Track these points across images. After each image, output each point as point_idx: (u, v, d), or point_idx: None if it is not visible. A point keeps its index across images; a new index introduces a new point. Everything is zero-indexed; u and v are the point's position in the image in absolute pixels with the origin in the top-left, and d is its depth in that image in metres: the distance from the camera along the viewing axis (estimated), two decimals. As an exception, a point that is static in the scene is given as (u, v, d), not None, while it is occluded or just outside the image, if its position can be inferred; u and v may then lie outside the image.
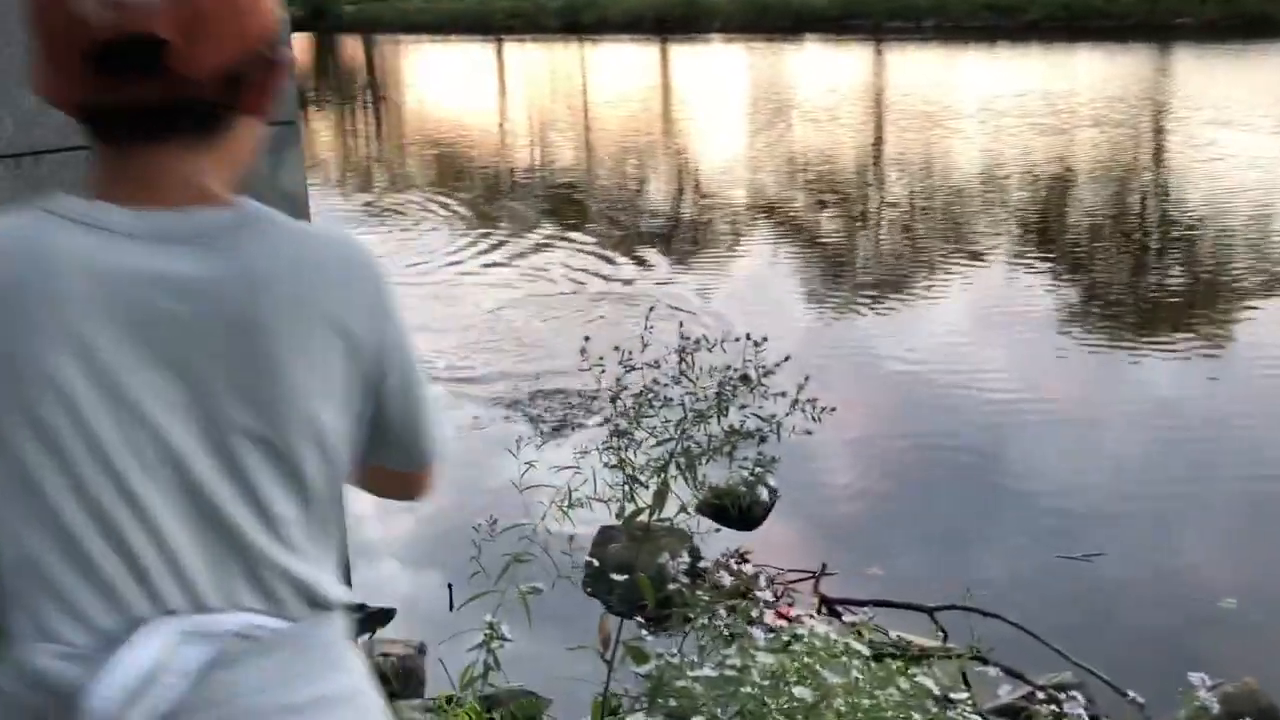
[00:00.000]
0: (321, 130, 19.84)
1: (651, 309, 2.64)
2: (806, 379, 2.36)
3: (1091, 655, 3.64)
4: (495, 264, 9.43)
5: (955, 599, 3.99)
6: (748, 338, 2.37)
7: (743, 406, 2.33)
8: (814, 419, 2.31)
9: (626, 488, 2.35)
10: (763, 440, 2.33)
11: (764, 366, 2.34)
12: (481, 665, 2.52)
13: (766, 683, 2.05)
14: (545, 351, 6.87)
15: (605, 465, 2.37)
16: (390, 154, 17.49)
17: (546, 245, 9.98)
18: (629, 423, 2.34)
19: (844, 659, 2.17)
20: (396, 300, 1.19)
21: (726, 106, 19.42)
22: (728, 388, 2.32)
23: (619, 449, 2.35)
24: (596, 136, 17.72)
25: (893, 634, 3.87)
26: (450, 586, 4.12)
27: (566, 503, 2.66)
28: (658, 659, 2.32)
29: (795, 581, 4.31)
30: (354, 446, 1.17)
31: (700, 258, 9.72)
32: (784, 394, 2.36)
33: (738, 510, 4.24)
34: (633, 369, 2.44)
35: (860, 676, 2.09)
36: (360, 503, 4.73)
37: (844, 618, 4.10)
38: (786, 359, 2.40)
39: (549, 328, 7.47)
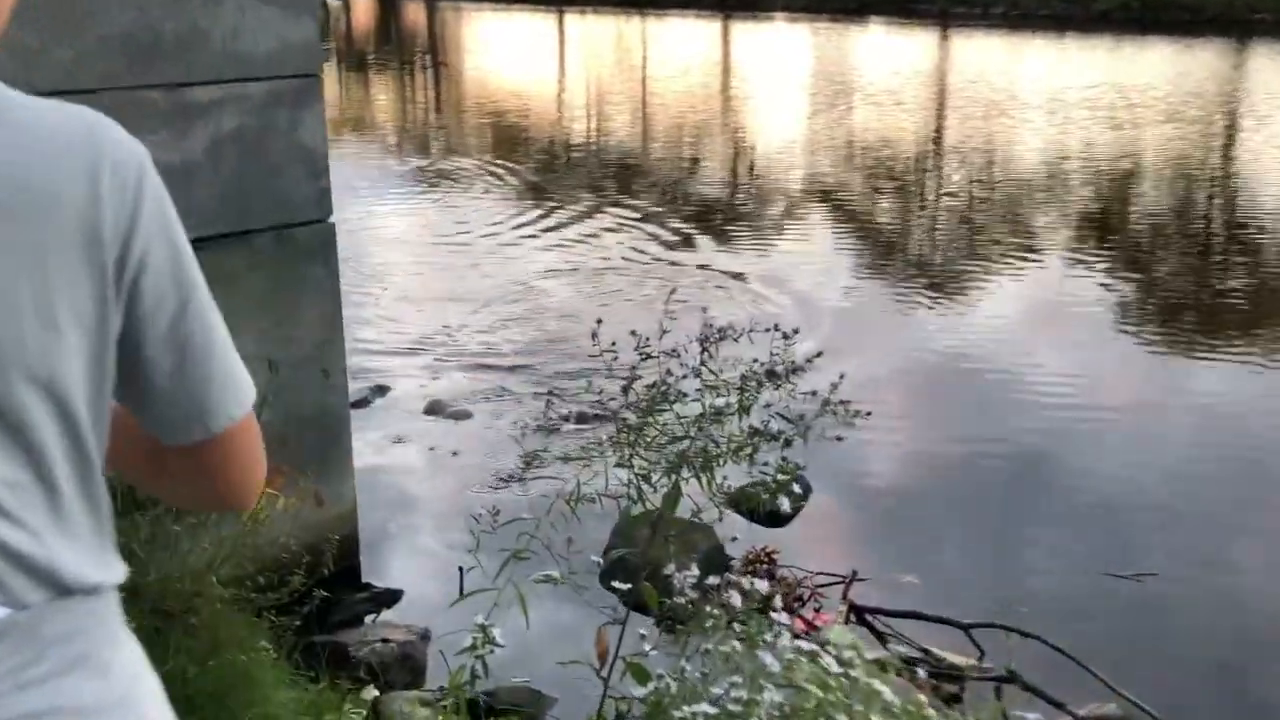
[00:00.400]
0: (380, 93, 19.73)
1: (672, 292, 2.41)
2: (841, 378, 2.12)
3: (1139, 686, 3.37)
4: (542, 235, 9.22)
5: (994, 615, 3.74)
6: (776, 329, 2.13)
7: (767, 405, 2.10)
8: (846, 423, 2.08)
9: (635, 488, 2.13)
10: (788, 444, 2.10)
11: (793, 362, 2.11)
12: (469, 672, 2.32)
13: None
14: (580, 328, 6.66)
15: (614, 464, 2.15)
16: (447, 119, 17.33)
17: (597, 219, 9.75)
18: (639, 416, 2.12)
19: (869, 691, 1.95)
20: (168, 202, 0.93)
21: (787, 86, 19.04)
22: (751, 384, 2.09)
23: (628, 444, 2.13)
24: (654, 111, 17.43)
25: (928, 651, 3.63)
26: (461, 570, 3.93)
27: (574, 498, 2.45)
28: (658, 680, 2.11)
29: (823, 586, 4.07)
30: (108, 399, 0.92)
31: (750, 239, 9.44)
32: (814, 393, 2.13)
33: (757, 514, 3.99)
34: (648, 357, 2.21)
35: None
36: (374, 475, 4.65)
37: (876, 629, 3.86)
38: (818, 355, 2.17)
39: (588, 304, 7.25)
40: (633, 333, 2.25)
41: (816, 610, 3.96)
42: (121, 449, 1.00)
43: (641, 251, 8.68)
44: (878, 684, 2.02)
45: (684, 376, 2.14)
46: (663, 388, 2.11)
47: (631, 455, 2.13)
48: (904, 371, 6.30)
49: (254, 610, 3.10)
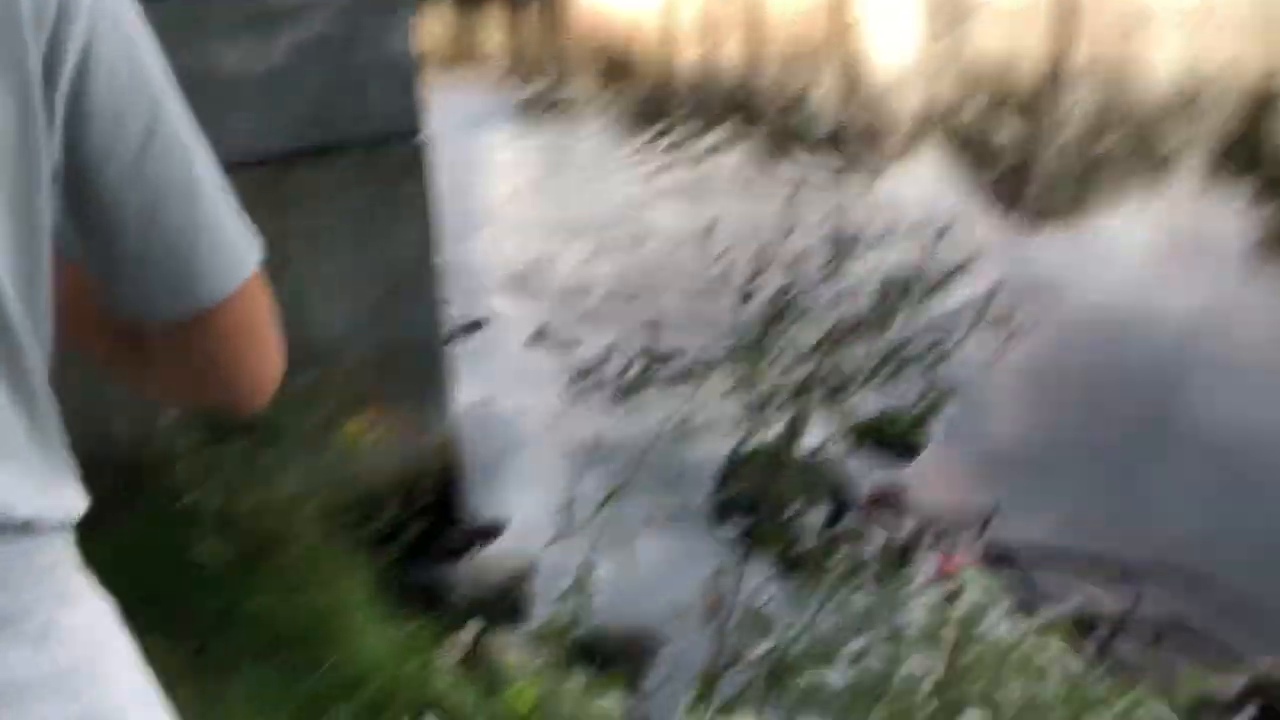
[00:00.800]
0: (490, 21, 19.52)
1: (796, 190, 2.10)
2: (995, 289, 1.80)
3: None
4: (654, 161, 8.90)
5: (1150, 557, 3.39)
6: (923, 230, 1.82)
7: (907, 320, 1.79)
8: (1005, 334, 1.76)
9: (752, 415, 1.86)
10: (936, 362, 1.80)
11: (938, 270, 1.80)
12: (571, 613, 2.10)
13: (924, 687, 1.58)
14: (691, 254, 6.37)
15: (726, 391, 1.87)
16: (558, 48, 17.04)
17: (710, 144, 9.38)
18: (760, 330, 1.84)
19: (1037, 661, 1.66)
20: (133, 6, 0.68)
21: (905, 5, 18.21)
22: (893, 292, 1.79)
23: (744, 364, 1.86)
24: (769, 35, 16.85)
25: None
26: (568, 503, 3.72)
27: (683, 428, 2.19)
28: (785, 630, 1.84)
29: (956, 524, 3.76)
30: (44, 266, 0.68)
31: (868, 166, 8.97)
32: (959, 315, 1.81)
33: (885, 445, 3.66)
34: (767, 267, 1.92)
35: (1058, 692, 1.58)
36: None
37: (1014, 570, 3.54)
38: (969, 261, 1.85)
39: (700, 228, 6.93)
40: (749, 257, 1.97)
41: (949, 552, 3.66)
42: (88, 327, 0.76)
43: (759, 175, 8.31)
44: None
45: (813, 287, 1.85)
46: (786, 297, 1.83)
47: (749, 379, 1.86)
48: (1037, 299, 5.85)
49: (348, 545, 2.94)
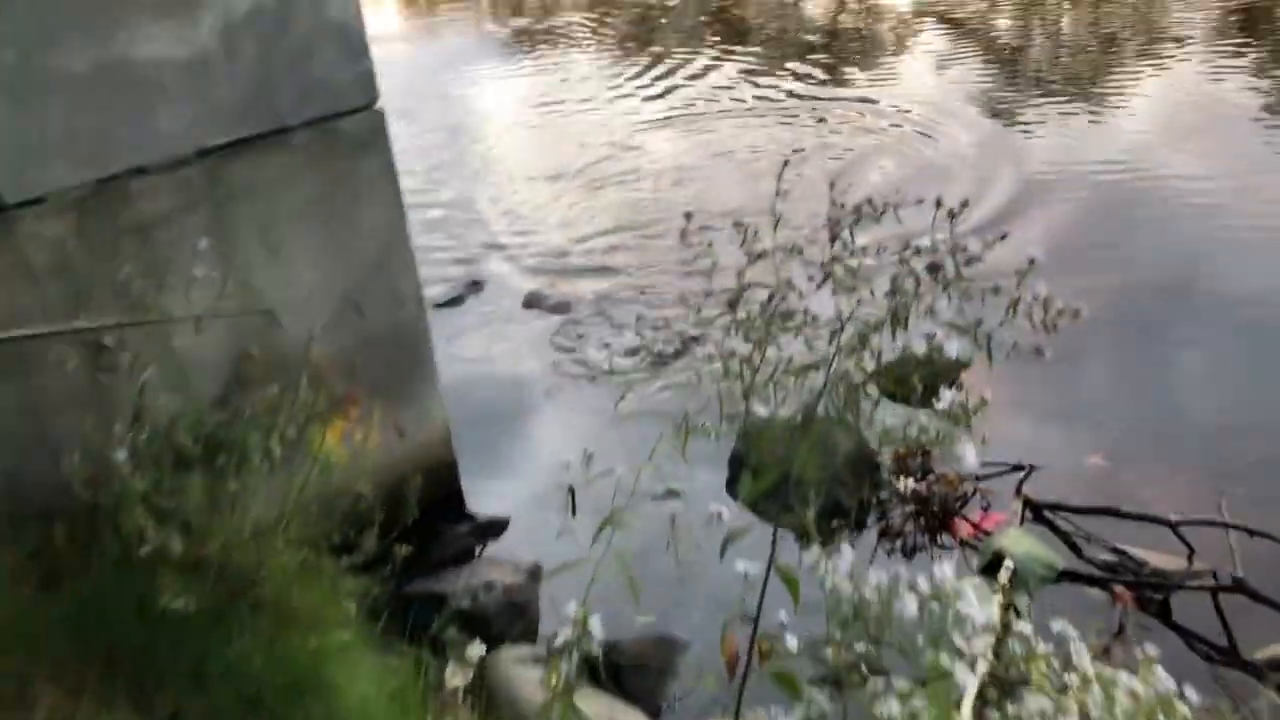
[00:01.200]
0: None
1: (787, 163, 1.79)
2: (1032, 263, 1.51)
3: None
4: (645, 89, 8.50)
5: (1202, 506, 3.12)
6: (938, 205, 1.52)
7: (928, 312, 1.51)
8: (1047, 328, 1.47)
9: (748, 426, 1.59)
10: (962, 368, 1.53)
11: (965, 247, 1.51)
12: (582, 625, 1.85)
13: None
14: (686, 193, 6.04)
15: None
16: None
17: (700, 65, 8.97)
18: (752, 342, 1.55)
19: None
20: None
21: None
22: (906, 283, 1.50)
23: (738, 378, 1.58)
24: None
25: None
26: (571, 491, 3.46)
27: (684, 430, 1.92)
28: (818, 694, 1.58)
29: (991, 477, 3.49)
30: None
31: (870, 70, 8.56)
32: (996, 289, 1.52)
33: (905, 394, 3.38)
34: (761, 257, 1.63)
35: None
36: (462, 378, 4.17)
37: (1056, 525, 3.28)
38: (1001, 238, 1.55)
39: (696, 163, 6.60)
40: (736, 224, 1.67)
41: (985, 509, 3.40)
42: None
43: (756, 94, 7.93)
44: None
45: (809, 280, 1.57)
46: (780, 305, 1.54)
47: (745, 391, 1.58)
48: (1058, 198, 5.53)
49: (331, 573, 2.70)
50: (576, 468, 3.01)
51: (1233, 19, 8.79)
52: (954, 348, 1.44)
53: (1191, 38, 8.31)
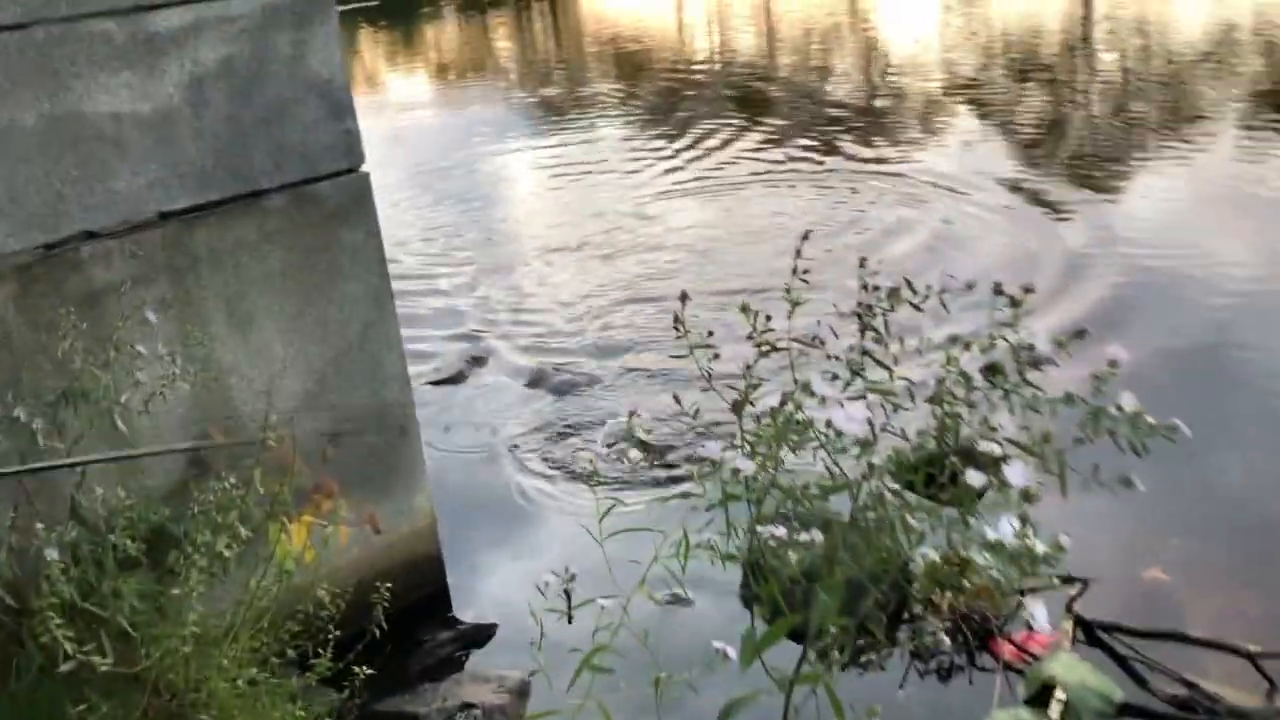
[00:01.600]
0: (498, 25, 18.98)
1: (807, 235, 1.49)
2: (1114, 365, 1.19)
3: None
4: (667, 161, 8.29)
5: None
6: (998, 292, 1.22)
7: (988, 426, 1.19)
8: (1136, 450, 1.16)
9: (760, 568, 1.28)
10: (1029, 501, 1.21)
11: (1032, 345, 1.20)
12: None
13: None
14: (714, 270, 5.77)
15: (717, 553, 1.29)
16: (567, 50, 16.47)
17: (726, 136, 8.77)
18: (762, 459, 1.24)
19: None
20: None
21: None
22: (949, 395, 1.19)
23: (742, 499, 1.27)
24: (779, 21, 16.16)
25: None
26: (567, 593, 3.12)
27: (680, 555, 1.60)
28: None
29: (1036, 591, 3.12)
30: None
31: (896, 145, 8.32)
32: (1070, 399, 1.20)
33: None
34: (772, 350, 1.32)
35: None
36: (450, 478, 3.86)
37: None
38: (1080, 334, 1.24)
39: (717, 238, 6.33)
40: (743, 309, 1.37)
41: (1029, 628, 3.03)
42: None
43: (783, 164, 7.71)
44: None
45: (831, 381, 1.25)
46: (792, 415, 1.23)
47: (752, 522, 1.27)
48: (1100, 282, 5.21)
49: (288, 692, 2.37)
50: (564, 579, 2.69)
51: (1265, 98, 8.52)
52: (1017, 474, 1.11)
53: (1225, 118, 8.05)
